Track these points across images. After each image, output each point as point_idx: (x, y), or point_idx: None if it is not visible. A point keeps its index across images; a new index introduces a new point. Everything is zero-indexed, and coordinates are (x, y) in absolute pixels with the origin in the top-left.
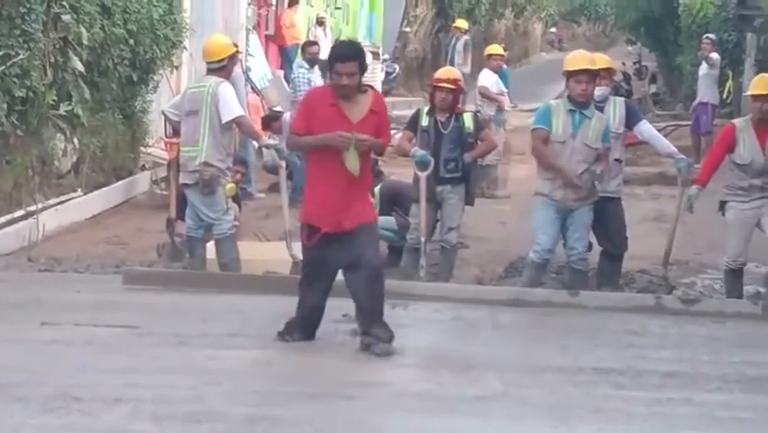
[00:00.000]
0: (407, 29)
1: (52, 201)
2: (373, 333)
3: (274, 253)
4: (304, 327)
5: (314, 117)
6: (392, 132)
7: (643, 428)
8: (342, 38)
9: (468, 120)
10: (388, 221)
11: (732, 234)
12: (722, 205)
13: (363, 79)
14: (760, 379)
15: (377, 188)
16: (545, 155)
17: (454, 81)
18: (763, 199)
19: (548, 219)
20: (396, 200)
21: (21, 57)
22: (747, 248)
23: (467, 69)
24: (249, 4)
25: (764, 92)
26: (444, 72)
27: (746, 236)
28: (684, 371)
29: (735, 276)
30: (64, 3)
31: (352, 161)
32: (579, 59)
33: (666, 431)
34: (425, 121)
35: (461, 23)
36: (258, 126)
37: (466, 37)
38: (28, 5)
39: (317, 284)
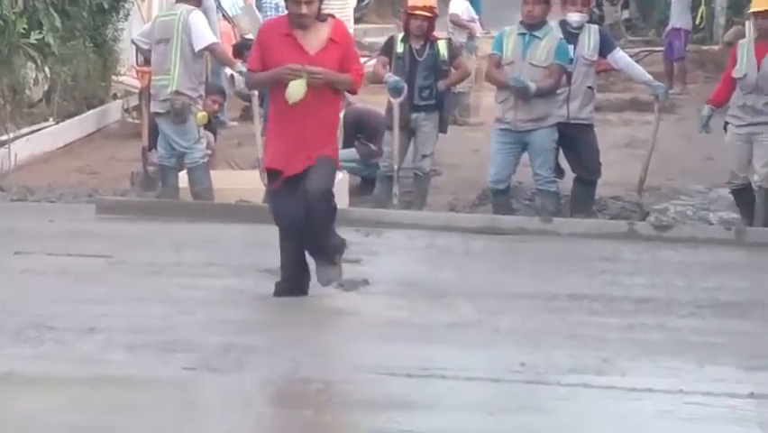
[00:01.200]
0: None
1: (24, 130)
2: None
3: (247, 181)
4: (294, 286)
5: (268, 51)
6: (364, 60)
7: (616, 354)
8: None
9: (442, 47)
10: (348, 153)
11: (729, 154)
12: (725, 125)
13: (336, 6)
14: (732, 304)
15: (341, 114)
16: (492, 74)
17: (430, 9)
18: (755, 126)
19: (497, 148)
20: (359, 127)
21: None
22: (748, 168)
23: None
24: None
25: (763, 8)
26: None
27: (740, 158)
28: (657, 297)
29: (737, 195)
30: None
31: (296, 91)
32: None
33: (640, 356)
34: (399, 48)
35: None
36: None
37: None
38: None
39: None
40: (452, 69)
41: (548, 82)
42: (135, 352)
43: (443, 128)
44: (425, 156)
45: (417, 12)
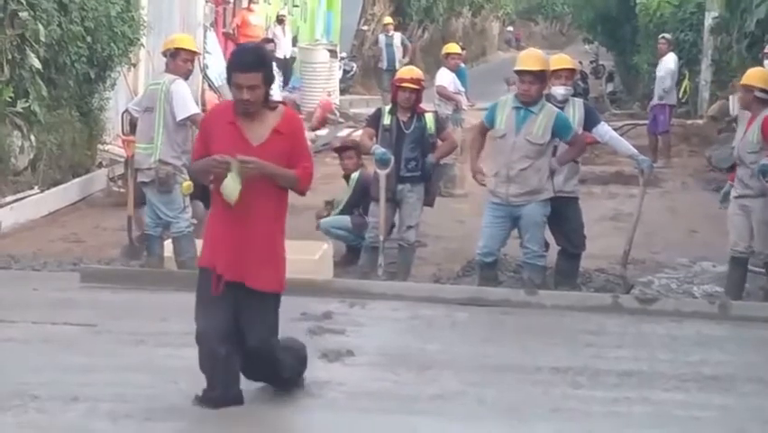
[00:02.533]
0: (365, 27)
1: (9, 198)
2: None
3: None
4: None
5: (212, 139)
6: (349, 131)
7: (600, 427)
8: (300, 36)
9: (430, 120)
10: (342, 220)
11: (729, 224)
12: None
13: (321, 77)
14: (716, 378)
15: (356, 174)
16: (470, 145)
17: (417, 81)
18: (745, 198)
19: (489, 221)
20: (365, 195)
21: None
22: (748, 239)
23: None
24: (206, 1)
25: (744, 83)
26: (407, 72)
27: (739, 227)
28: (641, 370)
29: (734, 264)
30: (21, 0)
31: (230, 189)
32: (523, 58)
33: (623, 430)
34: (386, 120)
35: (389, 20)
36: None
37: (401, 34)
38: None
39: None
40: (440, 142)
41: (571, 153)
42: (118, 421)
43: (429, 201)
44: (409, 227)
45: (405, 84)
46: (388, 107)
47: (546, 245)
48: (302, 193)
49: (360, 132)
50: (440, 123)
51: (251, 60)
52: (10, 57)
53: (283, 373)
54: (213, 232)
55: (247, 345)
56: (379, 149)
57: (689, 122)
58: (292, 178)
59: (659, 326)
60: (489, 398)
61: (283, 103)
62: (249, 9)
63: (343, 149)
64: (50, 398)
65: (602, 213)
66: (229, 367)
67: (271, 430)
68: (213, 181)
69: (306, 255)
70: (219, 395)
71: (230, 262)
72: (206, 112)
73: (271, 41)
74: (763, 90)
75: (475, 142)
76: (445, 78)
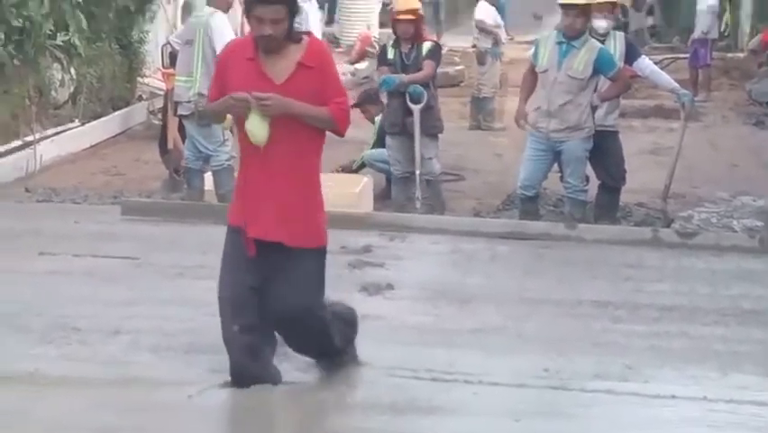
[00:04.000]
0: None
1: (50, 131)
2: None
3: None
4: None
5: (229, 77)
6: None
7: (640, 361)
8: None
9: (425, 48)
10: (380, 153)
11: None
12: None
13: (361, 10)
14: (756, 312)
15: (379, 116)
16: (521, 86)
17: (413, 11)
18: None
19: (530, 155)
20: None
21: None
22: None
23: None
24: None
25: None
26: (402, 3)
27: None
28: (681, 304)
29: None
30: None
31: (255, 130)
32: None
33: (664, 363)
34: (390, 54)
35: None
36: None
37: None
38: None
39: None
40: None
41: (613, 89)
42: (160, 354)
43: (430, 129)
44: (429, 159)
45: (401, 16)
46: (391, 41)
47: (586, 179)
48: (340, 133)
49: (377, 71)
50: (431, 51)
51: None
52: None
53: (333, 341)
54: (240, 185)
55: (278, 310)
56: (412, 86)
57: (729, 55)
58: (324, 116)
59: (699, 260)
60: (529, 331)
61: (308, 33)
62: None
63: (359, 104)
64: (92, 330)
65: (642, 147)
66: (244, 344)
67: (313, 362)
68: (238, 124)
69: (347, 188)
70: (236, 372)
71: (259, 217)
72: (223, 47)
73: None
74: None
75: (525, 83)
76: (485, 11)
